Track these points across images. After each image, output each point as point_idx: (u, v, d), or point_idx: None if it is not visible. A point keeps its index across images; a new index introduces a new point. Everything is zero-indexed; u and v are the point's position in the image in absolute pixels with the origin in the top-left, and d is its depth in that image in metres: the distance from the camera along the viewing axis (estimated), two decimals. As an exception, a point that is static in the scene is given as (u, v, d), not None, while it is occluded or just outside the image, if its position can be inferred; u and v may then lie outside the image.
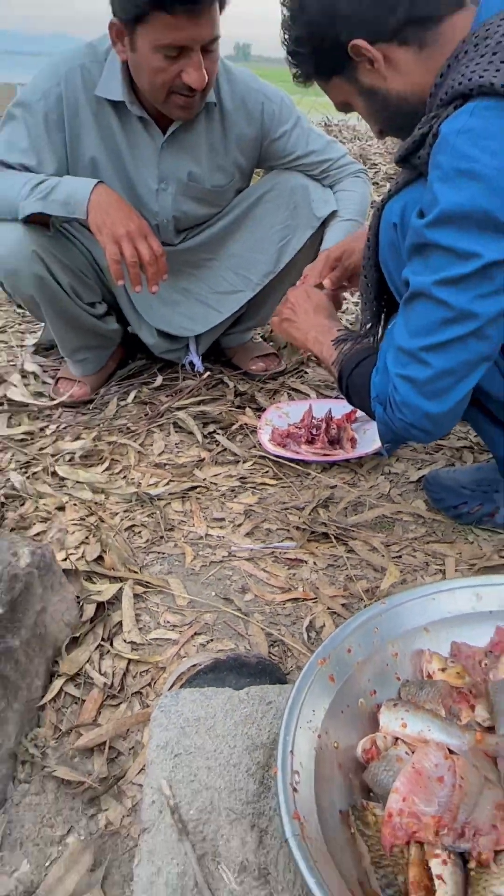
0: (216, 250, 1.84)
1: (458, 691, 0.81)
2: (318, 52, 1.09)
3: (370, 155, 4.80)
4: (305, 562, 1.31)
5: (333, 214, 1.75)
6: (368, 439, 1.62)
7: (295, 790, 0.64)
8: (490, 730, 0.77)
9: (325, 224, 1.76)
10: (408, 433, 1.11)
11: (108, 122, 1.59)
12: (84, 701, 1.02)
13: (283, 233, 1.78)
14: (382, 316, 1.27)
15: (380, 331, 1.28)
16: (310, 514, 1.41)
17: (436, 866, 0.62)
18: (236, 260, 1.84)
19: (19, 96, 1.58)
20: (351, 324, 2.22)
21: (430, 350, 1.00)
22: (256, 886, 0.62)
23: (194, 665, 1.06)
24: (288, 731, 0.70)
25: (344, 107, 1.19)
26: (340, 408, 1.70)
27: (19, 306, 1.86)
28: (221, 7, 1.41)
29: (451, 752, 0.71)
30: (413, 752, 0.73)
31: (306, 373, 2.04)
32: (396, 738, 0.76)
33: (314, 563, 1.30)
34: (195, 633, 1.14)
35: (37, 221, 1.55)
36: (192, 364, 1.98)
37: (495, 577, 1.01)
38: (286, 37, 1.12)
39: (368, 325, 1.27)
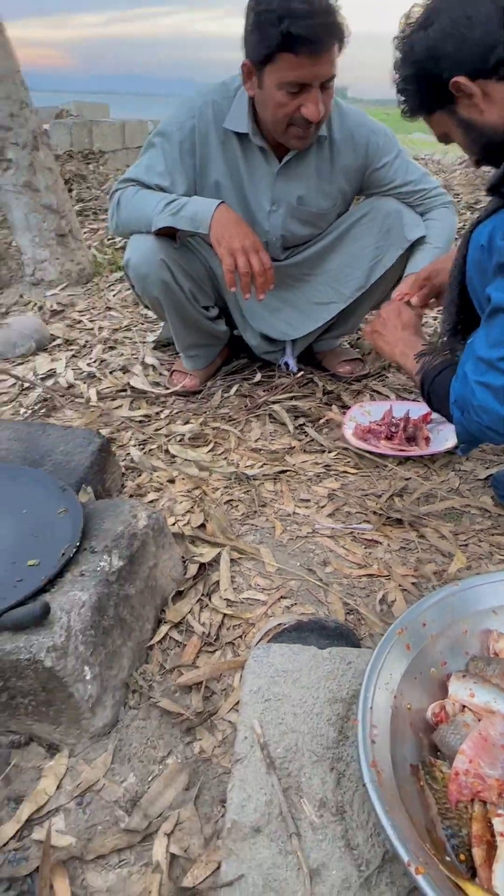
0: (315, 266, 1.82)
1: (522, 670, 0.79)
2: (424, 89, 1.08)
3: (453, 186, 4.63)
4: (380, 543, 1.29)
5: (421, 239, 1.70)
6: (441, 439, 1.59)
7: (373, 742, 0.64)
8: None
9: (412, 247, 1.72)
10: (483, 435, 1.08)
11: (232, 150, 1.61)
12: (185, 645, 1.04)
13: (376, 252, 1.74)
14: (460, 330, 1.25)
15: (457, 344, 1.25)
16: (386, 502, 1.39)
17: (498, 824, 0.60)
18: (332, 275, 1.82)
19: (160, 127, 1.62)
20: (430, 336, 2.16)
21: None
22: (333, 821, 0.61)
23: (279, 624, 1.07)
24: (368, 690, 0.69)
25: (444, 138, 1.16)
26: (418, 409, 1.67)
27: (146, 307, 1.91)
28: (340, 48, 1.39)
29: (514, 724, 0.69)
30: (479, 720, 0.71)
31: (387, 377, 2.00)
32: (464, 706, 0.74)
33: (388, 544, 1.28)
34: (281, 597, 1.14)
35: (166, 234, 1.58)
36: (287, 364, 1.98)
37: None
38: (396, 76, 1.11)
39: (447, 337, 1.24)
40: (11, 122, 2.52)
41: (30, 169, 2.61)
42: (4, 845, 0.78)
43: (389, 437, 1.59)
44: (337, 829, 0.61)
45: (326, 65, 1.37)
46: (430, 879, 0.52)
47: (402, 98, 1.13)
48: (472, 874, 0.58)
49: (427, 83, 1.06)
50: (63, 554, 0.99)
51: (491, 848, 0.59)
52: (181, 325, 1.78)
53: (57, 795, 0.83)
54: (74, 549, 1.00)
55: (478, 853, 0.59)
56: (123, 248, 3.30)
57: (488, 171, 1.15)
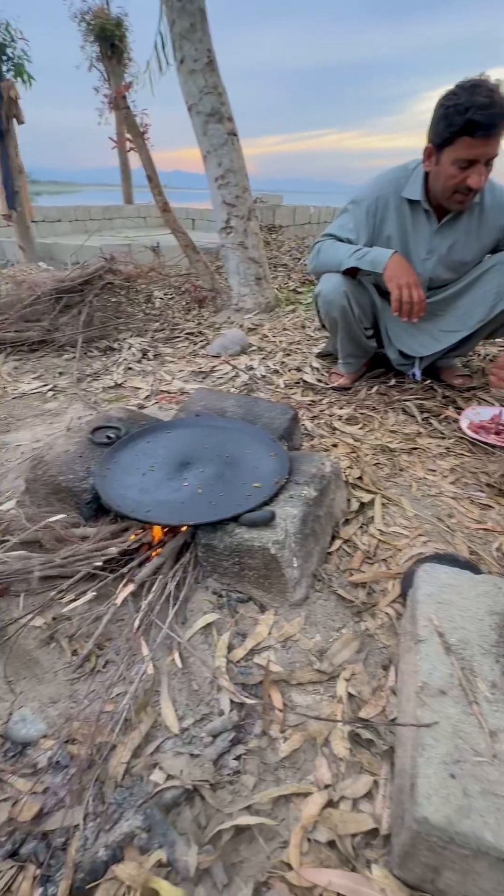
0: (449, 304, 1.67)
1: None
2: None
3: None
4: (493, 507, 1.16)
5: None
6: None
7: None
8: None
9: None
10: None
11: (404, 213, 1.50)
12: (353, 556, 1.00)
13: (496, 295, 1.55)
14: None
15: None
16: (499, 479, 1.25)
17: None
18: (461, 311, 1.65)
19: (354, 195, 1.55)
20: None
21: None
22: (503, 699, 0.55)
23: (420, 553, 1.00)
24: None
25: None
26: None
27: (322, 326, 1.85)
28: None
29: None
30: None
31: (491, 390, 1.81)
32: None
33: (499, 510, 1.15)
34: (419, 535, 1.07)
35: (348, 274, 1.52)
36: (414, 374, 1.84)
37: None
38: None
39: None
40: (237, 201, 2.55)
41: (244, 233, 2.63)
42: (237, 662, 0.80)
43: (498, 433, 1.44)
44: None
45: (494, 146, 1.24)
46: None
47: None
48: None
49: None
50: (276, 482, 0.99)
51: None
52: (347, 339, 1.71)
53: (268, 638, 0.84)
54: (285, 480, 1.00)
55: None
56: (295, 290, 3.29)
57: None
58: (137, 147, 2.59)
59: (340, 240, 1.54)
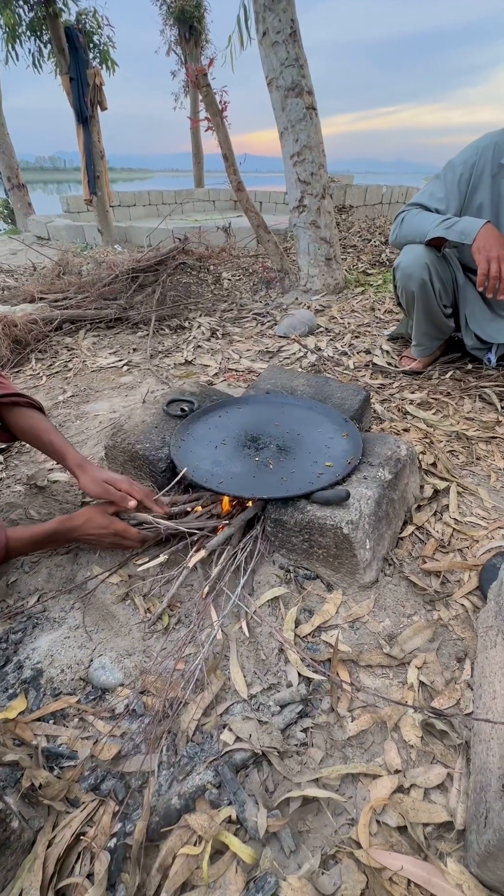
0: None
1: None
2: None
3: None
4: None
5: None
6: None
7: None
8: None
9: None
10: None
11: (500, 180, 1.37)
12: (426, 543, 0.95)
13: None
14: None
15: None
16: None
17: None
18: None
19: (451, 160, 1.43)
20: None
21: None
22: None
23: (500, 546, 0.93)
24: None
25: None
26: None
27: (398, 304, 1.75)
28: None
29: None
30: None
31: None
32: None
33: None
34: (498, 527, 0.99)
35: (434, 245, 1.41)
36: (489, 360, 1.70)
37: None
38: None
39: None
40: (311, 178, 2.46)
41: (317, 212, 2.53)
42: (304, 637, 0.78)
43: None
44: None
45: None
46: None
47: None
48: None
49: None
50: (349, 462, 0.95)
51: None
52: (424, 316, 1.60)
53: (335, 617, 0.81)
54: (358, 460, 0.95)
55: None
56: (364, 272, 3.14)
57: None
58: (215, 126, 2.55)
59: (428, 209, 1.43)
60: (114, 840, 0.54)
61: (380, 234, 4.19)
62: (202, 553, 0.87)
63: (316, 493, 0.86)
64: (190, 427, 1.12)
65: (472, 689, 0.68)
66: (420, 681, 0.70)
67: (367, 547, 0.83)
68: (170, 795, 0.57)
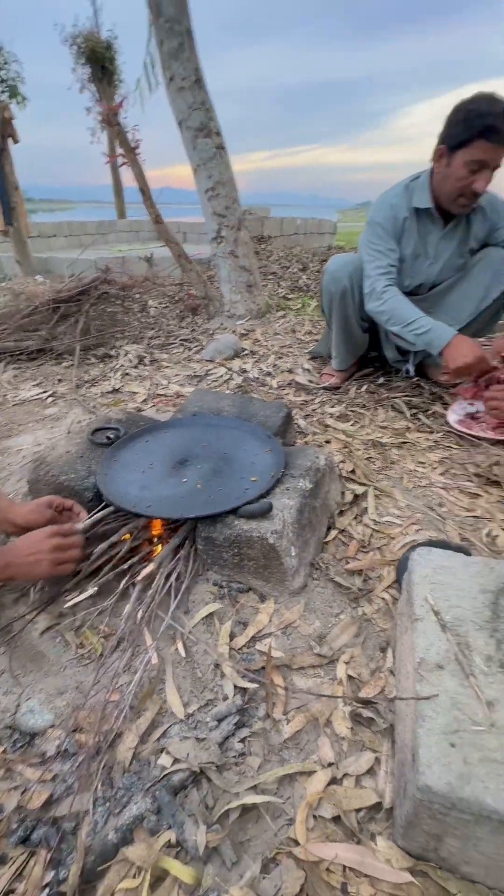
0: (441, 299, 1.68)
1: None
2: None
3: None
4: (481, 496, 1.17)
5: None
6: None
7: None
8: None
9: None
10: None
11: (415, 223, 1.54)
12: (348, 545, 1.00)
13: (485, 291, 1.58)
14: None
15: None
16: (486, 469, 1.26)
17: None
18: (451, 306, 1.66)
19: (373, 218, 1.56)
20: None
21: None
22: (499, 672, 0.55)
23: (414, 540, 1.01)
24: (516, 584, 0.62)
25: None
26: None
27: (322, 311, 1.84)
28: None
29: None
30: None
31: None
32: None
33: (487, 497, 1.16)
34: (412, 523, 1.07)
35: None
36: (408, 370, 1.84)
37: None
38: None
39: None
40: (226, 212, 2.57)
41: (234, 242, 2.65)
42: (239, 650, 0.80)
43: (495, 428, 1.44)
44: (502, 677, 0.55)
45: (502, 153, 1.30)
46: None
47: None
48: None
49: None
50: (273, 476, 0.99)
51: None
52: (342, 324, 1.72)
53: (268, 626, 0.84)
54: (280, 473, 1.00)
55: None
56: (284, 297, 3.31)
57: None
58: (130, 162, 2.60)
59: (392, 263, 1.55)
60: (46, 891, 0.51)
61: (297, 261, 4.44)
62: (134, 580, 0.86)
63: (242, 508, 0.89)
64: (116, 454, 1.11)
65: (394, 675, 0.73)
66: (348, 674, 0.74)
67: (293, 554, 0.87)
68: (106, 831, 0.56)
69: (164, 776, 0.61)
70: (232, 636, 0.81)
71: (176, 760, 0.62)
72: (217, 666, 0.76)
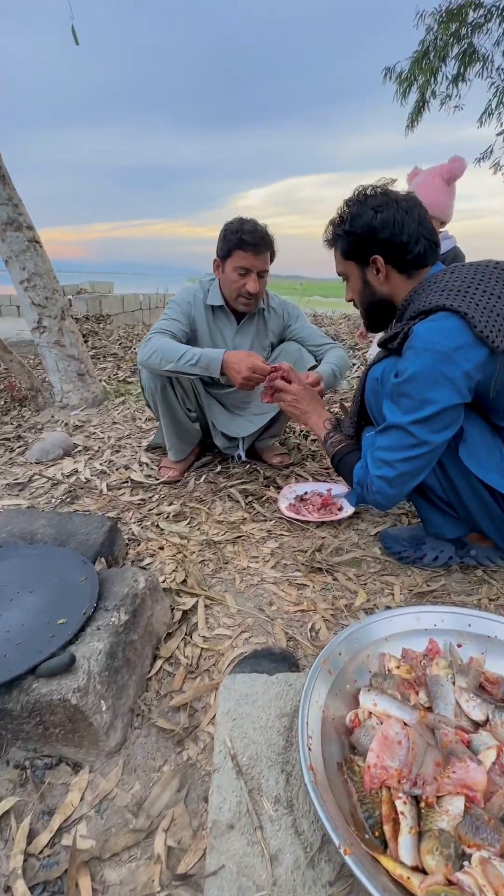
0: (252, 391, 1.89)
1: (408, 682, 0.78)
2: (353, 244, 1.09)
3: (340, 333, 4.94)
4: (308, 586, 1.28)
5: (320, 361, 1.83)
6: (347, 508, 1.62)
7: (309, 748, 0.62)
8: (429, 709, 0.74)
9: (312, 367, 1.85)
10: (374, 505, 1.12)
11: (210, 316, 1.79)
12: (174, 675, 0.99)
13: None
14: (360, 426, 1.29)
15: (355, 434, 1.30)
16: (310, 556, 1.39)
17: (399, 805, 0.58)
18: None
19: (176, 300, 1.79)
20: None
21: (399, 461, 1.02)
22: (285, 814, 0.58)
23: (241, 653, 1.04)
24: (303, 708, 0.67)
25: (342, 276, 1.18)
26: (337, 488, 1.73)
27: (147, 405, 1.88)
28: (272, 258, 1.69)
29: (405, 724, 0.68)
30: (381, 723, 0.70)
31: (306, 465, 2.05)
32: (370, 713, 0.72)
33: (313, 587, 1.27)
34: (242, 631, 1.11)
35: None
36: (239, 456, 2.00)
37: (428, 605, 0.98)
38: (339, 221, 1.10)
39: (353, 431, 1.29)
40: (46, 302, 2.58)
41: (59, 332, 2.65)
42: (40, 853, 0.70)
43: (319, 508, 1.62)
44: (288, 820, 0.58)
45: (261, 261, 1.64)
46: (355, 858, 0.50)
47: (331, 237, 1.14)
48: (385, 847, 0.56)
49: (358, 244, 1.08)
50: (84, 613, 0.95)
51: (396, 825, 0.57)
52: (170, 417, 1.80)
53: (80, 806, 0.76)
54: (92, 609, 0.96)
55: (387, 829, 0.57)
56: (125, 381, 3.36)
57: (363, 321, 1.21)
58: None
59: (175, 334, 1.69)
60: None
61: (138, 341, 4.60)
62: None
63: (40, 667, 0.82)
64: None
65: (216, 831, 0.71)
66: (168, 846, 0.70)
67: (104, 709, 0.82)
68: None
69: None
70: (32, 836, 0.71)
71: None
72: (7, 890, 0.65)
